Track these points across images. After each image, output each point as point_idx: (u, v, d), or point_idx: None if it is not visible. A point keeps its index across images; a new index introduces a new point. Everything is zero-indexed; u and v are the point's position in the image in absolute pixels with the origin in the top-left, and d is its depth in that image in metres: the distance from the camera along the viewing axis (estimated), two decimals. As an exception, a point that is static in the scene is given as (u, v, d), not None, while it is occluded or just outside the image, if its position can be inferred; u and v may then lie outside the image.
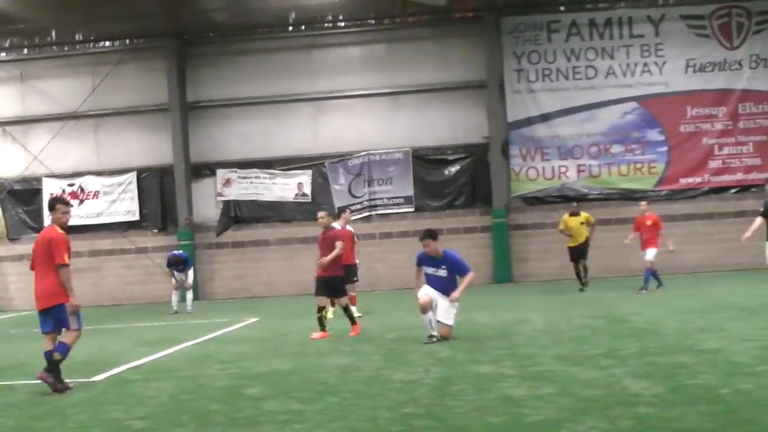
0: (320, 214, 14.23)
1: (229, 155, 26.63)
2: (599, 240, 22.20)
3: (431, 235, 12.20)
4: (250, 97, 26.42)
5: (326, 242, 13.77)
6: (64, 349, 9.23)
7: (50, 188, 26.37)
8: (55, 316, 9.25)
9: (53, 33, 26.61)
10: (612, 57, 25.30)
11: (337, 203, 25.27)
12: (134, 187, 26.80)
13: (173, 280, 20.99)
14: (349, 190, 26.05)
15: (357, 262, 17.69)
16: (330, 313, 14.58)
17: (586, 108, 25.30)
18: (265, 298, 25.52)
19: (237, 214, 26.67)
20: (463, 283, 12.05)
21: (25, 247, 24.19)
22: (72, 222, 26.29)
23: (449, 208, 25.85)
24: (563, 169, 25.36)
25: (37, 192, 26.78)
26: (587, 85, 25.32)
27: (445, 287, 12.00)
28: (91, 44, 27.14)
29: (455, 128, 25.93)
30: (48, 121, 27.14)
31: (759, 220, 14.92)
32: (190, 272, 21.18)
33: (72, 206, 10.09)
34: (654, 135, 25.22)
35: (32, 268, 9.47)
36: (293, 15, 26.00)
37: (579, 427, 6.19)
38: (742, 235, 15.95)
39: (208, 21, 26.34)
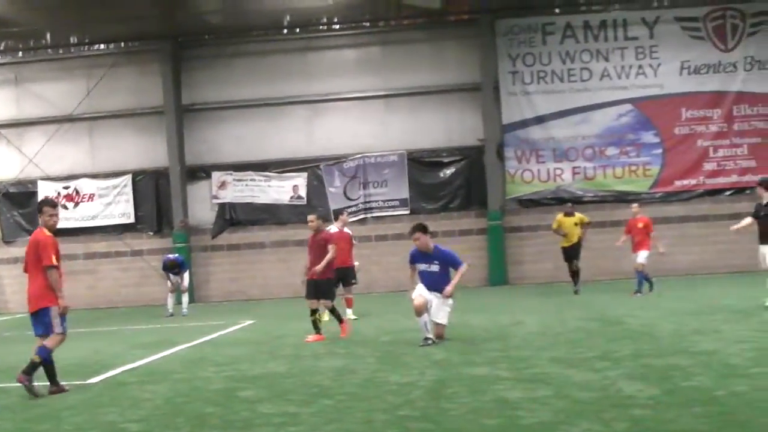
0: (310, 217, 14.18)
1: (224, 158, 26.62)
2: (593, 242, 22.24)
3: (421, 228, 12.24)
4: (245, 99, 26.43)
5: (317, 245, 13.74)
6: (45, 352, 9.21)
7: (45, 191, 26.30)
8: (41, 319, 9.27)
9: (48, 36, 26.59)
10: (607, 59, 25.33)
11: (333, 206, 25.29)
12: (129, 189, 26.76)
13: (169, 283, 20.99)
14: (345, 193, 26.06)
15: (357, 263, 17.70)
16: (325, 316, 14.58)
17: (580, 110, 25.32)
18: (260, 300, 25.51)
19: (232, 216, 26.66)
20: (456, 277, 12.07)
21: (20, 250, 23.92)
22: (67, 224, 26.54)
23: (444, 211, 25.87)
24: (558, 172, 25.38)
25: (33, 195, 26.71)
26: (582, 87, 25.35)
27: (438, 284, 12.01)
28: (86, 47, 27.13)
29: (450, 130, 25.95)
30: (43, 124, 27.11)
31: (749, 219, 15.07)
32: (186, 275, 21.18)
33: (59, 208, 10.03)
34: (649, 137, 25.25)
35: (25, 270, 9.48)
36: (288, 17, 26.00)
37: (574, 430, 6.21)
38: (731, 226, 16.10)
39: (202, 23, 26.34)
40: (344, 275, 16.76)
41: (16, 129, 27.37)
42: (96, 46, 27.10)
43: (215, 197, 26.60)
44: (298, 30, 26.51)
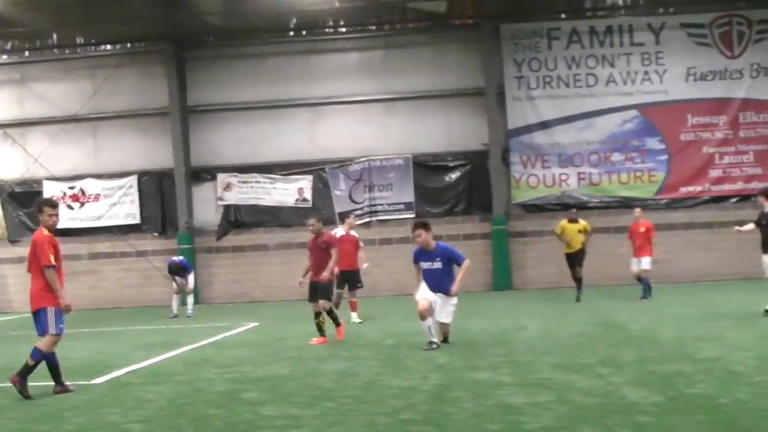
0: (311, 221, 14.18)
1: (226, 159, 26.62)
2: (597, 247, 22.19)
3: (422, 225, 12.28)
4: (247, 101, 26.43)
5: (317, 248, 13.72)
6: (37, 355, 9.19)
7: (51, 191, 26.36)
8: (38, 319, 9.28)
9: (53, 36, 26.63)
10: (612, 65, 25.31)
11: (338, 209, 25.29)
12: (135, 190, 26.78)
13: (174, 285, 21.03)
14: (350, 196, 26.07)
15: (366, 265, 17.67)
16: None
17: (586, 115, 25.28)
18: (263, 302, 25.52)
19: (237, 218, 26.67)
20: (459, 274, 12.11)
21: (25, 249, 23.78)
22: (72, 225, 26.58)
23: (449, 215, 25.85)
24: (564, 177, 25.36)
25: (38, 194, 26.62)
26: (587, 93, 25.31)
27: (441, 282, 12.01)
28: (90, 48, 27.13)
29: (452, 135, 25.94)
30: (47, 124, 27.15)
31: (752, 225, 15.18)
32: (191, 277, 21.21)
33: (59, 209, 10.04)
34: (654, 143, 25.22)
35: (29, 270, 9.50)
36: (294, 20, 25.99)
37: (576, 435, 6.21)
38: (735, 227, 16.24)
39: (205, 25, 26.33)
40: (350, 278, 16.77)
41: (20, 129, 27.41)
42: (100, 47, 27.12)
43: (220, 199, 26.61)
44: (304, 32, 26.52)
